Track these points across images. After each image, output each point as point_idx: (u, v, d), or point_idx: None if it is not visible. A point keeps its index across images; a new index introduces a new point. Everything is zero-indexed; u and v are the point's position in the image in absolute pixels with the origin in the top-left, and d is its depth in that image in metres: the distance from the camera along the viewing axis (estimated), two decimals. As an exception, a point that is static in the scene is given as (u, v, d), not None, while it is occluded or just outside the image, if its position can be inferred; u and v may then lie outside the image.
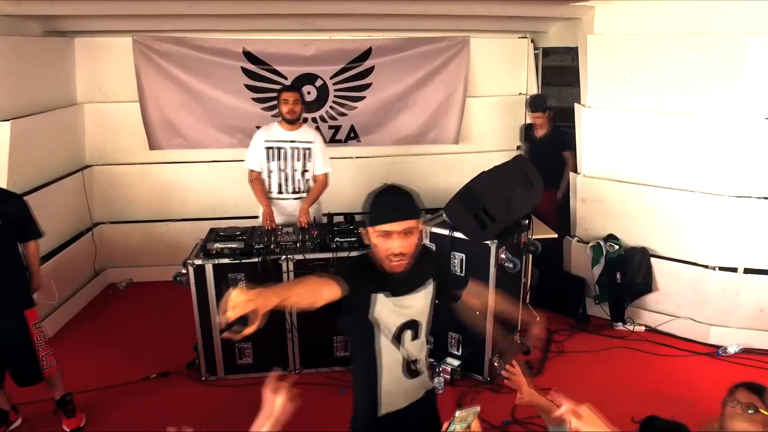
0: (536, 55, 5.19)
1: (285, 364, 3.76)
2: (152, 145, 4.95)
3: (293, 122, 3.92)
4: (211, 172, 5.12)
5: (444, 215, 3.65)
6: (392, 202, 1.81)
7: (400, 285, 1.86)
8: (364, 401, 1.97)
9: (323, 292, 1.66)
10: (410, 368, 1.93)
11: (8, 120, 3.83)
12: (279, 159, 3.94)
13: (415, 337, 1.93)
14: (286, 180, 3.97)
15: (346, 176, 5.08)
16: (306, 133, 4.00)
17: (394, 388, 1.92)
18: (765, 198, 3.89)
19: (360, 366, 1.95)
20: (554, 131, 4.94)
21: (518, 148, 5.35)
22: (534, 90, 5.23)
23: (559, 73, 5.69)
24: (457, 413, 1.51)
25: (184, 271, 3.58)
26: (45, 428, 3.28)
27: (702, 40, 3.85)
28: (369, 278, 1.83)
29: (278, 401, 1.66)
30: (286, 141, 3.94)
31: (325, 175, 4.05)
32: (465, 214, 3.39)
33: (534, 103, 4.85)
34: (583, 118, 4.40)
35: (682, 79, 3.98)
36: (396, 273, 1.82)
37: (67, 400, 3.30)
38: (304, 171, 3.98)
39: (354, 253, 3.58)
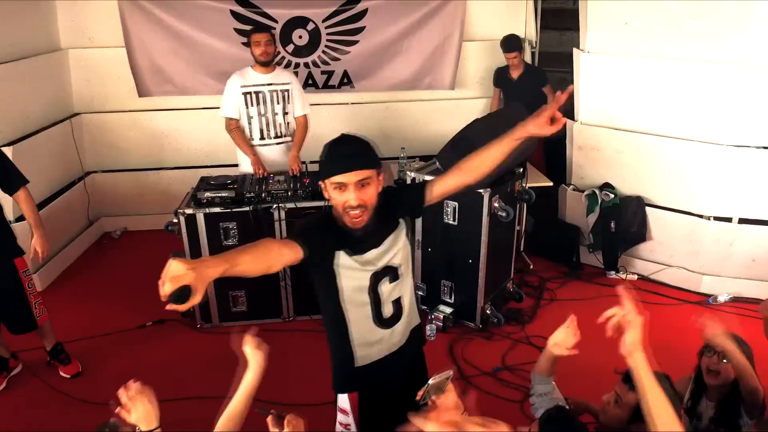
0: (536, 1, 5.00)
1: (279, 312, 3.80)
2: (141, 92, 4.83)
3: (267, 64, 3.80)
4: (202, 119, 5.01)
5: (437, 163, 3.59)
6: (345, 151, 1.72)
7: (363, 241, 1.80)
8: (338, 357, 1.97)
9: (279, 255, 1.60)
10: (383, 318, 1.90)
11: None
12: (259, 104, 3.84)
13: (394, 279, 1.89)
14: (268, 125, 3.89)
15: (340, 123, 4.99)
16: (282, 75, 3.91)
17: (367, 341, 1.91)
18: (764, 147, 3.82)
19: (329, 322, 1.94)
20: (528, 70, 4.82)
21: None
22: (533, 34, 5.06)
23: (560, 17, 5.50)
24: (431, 381, 1.50)
25: (175, 220, 3.57)
26: (45, 375, 3.34)
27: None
28: (330, 236, 1.77)
29: (260, 355, 1.70)
30: (263, 84, 3.83)
31: (305, 117, 3.99)
32: (458, 162, 3.32)
33: (509, 44, 4.68)
34: (582, 63, 4.28)
35: (686, 24, 3.83)
36: (358, 228, 1.75)
37: (59, 349, 3.36)
38: (285, 114, 3.90)
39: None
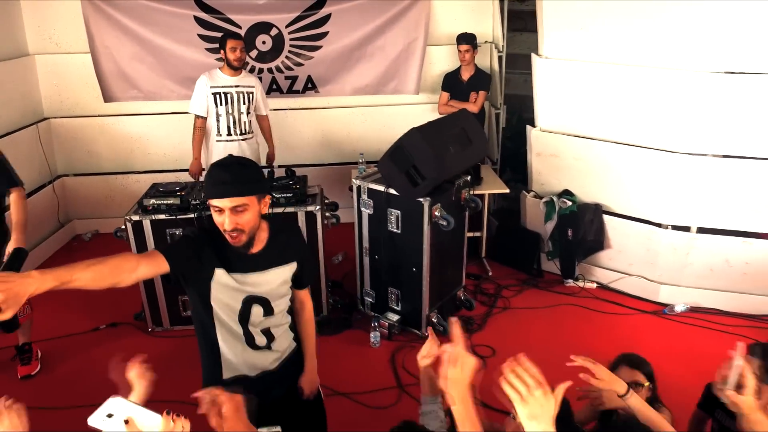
0: (501, 3, 4.94)
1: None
2: (107, 98, 4.90)
3: (238, 69, 4.07)
4: (170, 124, 5.07)
5: (379, 170, 3.60)
6: (224, 177, 1.72)
7: (246, 261, 1.83)
8: (206, 366, 1.99)
9: (131, 271, 1.60)
10: (254, 342, 1.93)
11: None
12: (227, 103, 4.10)
13: (268, 313, 1.93)
14: (234, 123, 4.15)
15: (305, 128, 5.02)
16: (248, 78, 4.19)
17: (236, 359, 1.94)
18: (721, 156, 3.76)
19: (200, 331, 1.96)
20: (478, 73, 4.78)
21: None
22: (500, 37, 5.02)
23: (527, 18, 5.43)
24: None
25: (123, 227, 3.62)
26: (2, 375, 3.45)
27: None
28: (210, 251, 1.79)
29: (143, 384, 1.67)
30: (231, 86, 4.10)
31: (268, 117, 4.40)
32: (396, 170, 3.34)
33: (462, 36, 4.65)
34: (539, 68, 4.24)
35: (639, 29, 3.78)
36: (240, 248, 1.78)
37: (26, 348, 3.46)
38: (249, 113, 4.20)
39: (290, 209, 3.59)
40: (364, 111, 5.16)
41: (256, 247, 1.84)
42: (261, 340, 1.96)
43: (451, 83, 4.77)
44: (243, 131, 4.20)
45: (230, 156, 1.86)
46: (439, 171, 3.28)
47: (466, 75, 4.71)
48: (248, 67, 4.89)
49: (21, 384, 3.38)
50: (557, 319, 4.01)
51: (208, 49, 4.80)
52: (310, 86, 5.02)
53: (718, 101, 3.64)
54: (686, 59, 3.67)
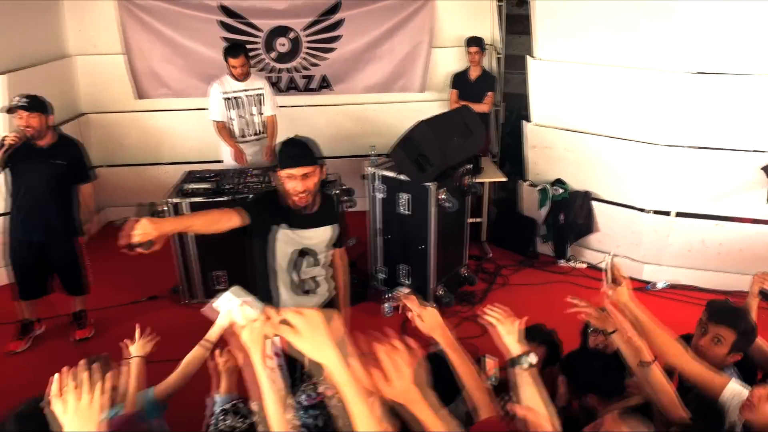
0: (500, 7, 5.40)
1: (255, 291, 4.28)
2: (139, 95, 5.36)
3: (244, 80, 4.45)
4: (195, 119, 5.50)
5: (390, 157, 4.06)
6: (295, 151, 2.28)
7: (300, 220, 2.34)
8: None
9: (224, 221, 2.15)
10: (305, 286, 2.44)
11: (4, 73, 4.28)
12: (238, 107, 4.47)
13: (315, 263, 2.43)
14: (247, 125, 4.53)
15: (319, 123, 5.46)
16: (256, 81, 4.54)
17: (287, 302, 2.44)
18: (696, 147, 4.21)
19: (259, 277, 2.44)
20: (485, 74, 5.25)
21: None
22: (498, 40, 5.47)
23: (524, 22, 5.85)
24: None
25: (163, 209, 4.06)
26: (61, 338, 3.93)
27: (637, -2, 4.08)
28: (272, 211, 2.31)
29: None
30: (241, 91, 4.47)
31: (275, 116, 4.63)
32: (407, 159, 3.78)
33: (472, 39, 5.13)
34: (533, 69, 4.69)
35: (623, 34, 4.24)
36: (299, 208, 2.30)
37: (82, 315, 3.97)
38: (260, 114, 4.55)
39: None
40: (374, 107, 5.62)
41: (312, 209, 2.34)
42: (308, 285, 2.44)
43: (460, 82, 5.23)
44: (256, 132, 4.58)
45: (296, 136, 2.36)
46: (443, 158, 3.73)
47: (474, 75, 5.17)
48: (268, 68, 5.36)
49: (77, 345, 3.87)
50: (551, 294, 4.45)
51: (226, 60, 5.24)
52: (325, 85, 5.48)
53: (692, 98, 4.10)
54: (663, 61, 4.12)
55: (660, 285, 4.50)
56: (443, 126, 3.80)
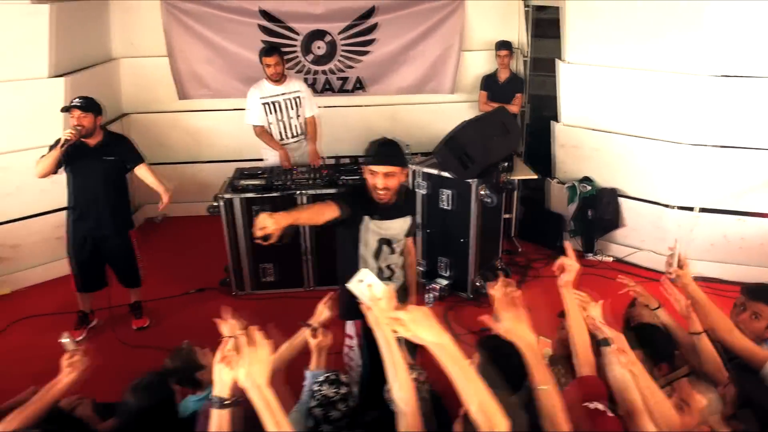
0: (527, 12, 5.63)
1: (301, 282, 4.50)
2: (181, 95, 5.57)
3: (279, 81, 4.53)
4: (233, 119, 5.70)
5: (434, 157, 4.27)
6: (382, 150, 2.50)
7: (382, 212, 2.57)
8: (346, 291, 2.69)
9: (325, 213, 2.38)
10: (383, 273, 2.66)
11: (63, 76, 4.49)
12: (276, 111, 4.57)
13: (391, 252, 2.66)
14: (285, 128, 4.64)
15: (354, 122, 5.68)
16: (293, 84, 4.62)
17: None
18: (719, 146, 4.43)
19: (345, 264, 2.66)
20: (513, 75, 5.48)
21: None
22: (525, 43, 5.71)
23: (550, 26, 6.10)
24: None
25: (215, 204, 4.27)
26: (117, 328, 4.12)
27: (665, 5, 4.31)
28: (362, 203, 2.53)
29: None
30: (278, 95, 4.56)
31: (314, 117, 4.70)
32: (450, 156, 4.00)
33: (502, 43, 5.36)
34: (563, 72, 4.92)
35: (650, 39, 4.47)
36: (380, 203, 2.52)
37: (138, 305, 4.18)
38: (298, 116, 4.64)
39: (358, 190, 4.26)
40: (406, 108, 5.84)
41: (393, 203, 2.57)
42: (386, 272, 2.66)
43: (489, 84, 5.46)
44: (294, 134, 4.66)
45: (385, 137, 2.58)
46: (485, 156, 3.95)
47: (502, 77, 5.40)
48: (304, 70, 5.57)
49: (136, 333, 4.08)
50: (581, 286, 4.65)
51: (261, 58, 5.46)
52: (359, 86, 5.70)
53: (716, 99, 4.33)
54: (689, 65, 4.35)
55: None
56: (485, 126, 4.03)
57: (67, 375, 2.29)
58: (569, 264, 2.09)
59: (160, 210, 4.05)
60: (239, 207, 4.25)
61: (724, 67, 4.25)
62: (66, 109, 3.66)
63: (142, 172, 3.89)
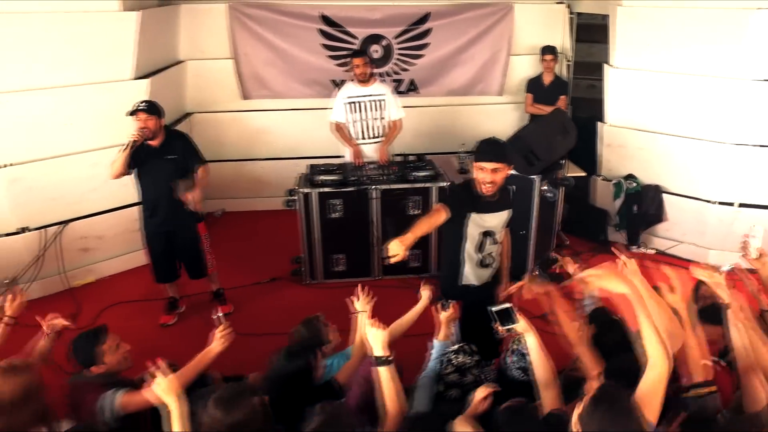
0: (571, 19, 5.95)
1: (369, 272, 4.80)
2: (244, 96, 5.88)
3: (365, 81, 4.81)
4: (290, 118, 6.03)
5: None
6: (489, 148, 2.80)
7: (485, 206, 2.87)
8: (448, 276, 3.05)
9: (438, 220, 2.70)
10: (484, 262, 2.98)
11: (144, 78, 4.79)
12: (359, 111, 4.85)
13: (493, 242, 2.98)
14: (366, 128, 4.91)
15: (406, 122, 5.96)
16: (379, 87, 4.90)
17: (470, 273, 2.99)
18: (760, 146, 4.76)
19: (450, 253, 2.99)
20: (557, 79, 5.81)
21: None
22: (569, 48, 6.03)
23: (590, 31, 6.44)
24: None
25: (293, 197, 4.57)
26: (203, 313, 4.39)
27: (710, 13, 4.63)
28: (465, 200, 2.83)
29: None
30: (363, 96, 4.84)
31: (400, 120, 4.96)
32: (516, 154, 4.30)
33: (547, 48, 5.70)
34: (611, 76, 5.24)
35: (695, 46, 4.78)
36: (485, 196, 2.82)
37: (221, 292, 4.45)
38: (381, 119, 4.90)
39: (427, 184, 4.57)
40: (456, 109, 6.15)
41: (494, 198, 2.85)
42: (487, 260, 2.96)
43: (534, 87, 5.78)
44: (374, 135, 4.90)
45: (492, 137, 2.88)
46: (549, 154, 4.28)
47: (547, 80, 5.72)
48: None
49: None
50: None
51: (329, 56, 5.78)
52: (412, 88, 6.01)
53: (758, 102, 4.65)
54: (732, 69, 4.66)
55: (724, 269, 4.99)
56: (547, 127, 4.35)
57: (219, 345, 2.62)
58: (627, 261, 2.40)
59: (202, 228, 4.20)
60: (315, 201, 4.54)
61: (766, 71, 4.58)
62: (132, 113, 3.82)
63: (199, 174, 4.02)
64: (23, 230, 4.46)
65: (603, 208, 5.55)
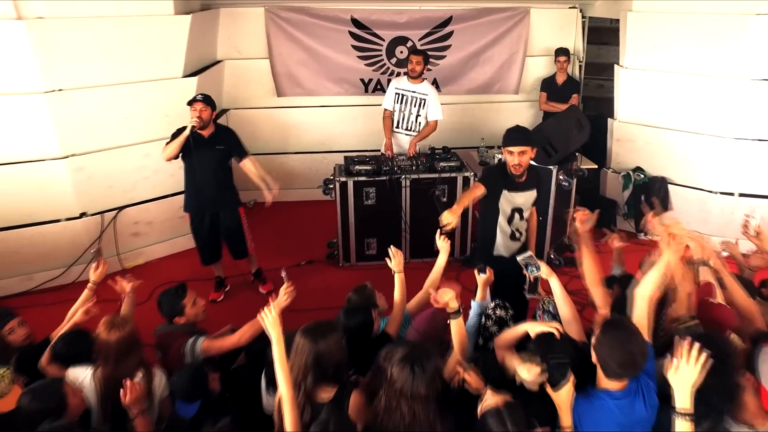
0: (583, 23, 6.38)
1: (400, 255, 5.20)
2: (279, 93, 6.30)
3: (416, 77, 5.23)
4: (322, 114, 6.45)
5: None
6: (514, 135, 3.26)
7: (515, 185, 3.33)
8: (484, 246, 3.51)
9: (477, 192, 3.24)
10: (514, 236, 3.44)
11: (192, 75, 5.22)
12: (401, 102, 5.30)
13: (521, 218, 3.43)
14: (403, 119, 5.35)
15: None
16: (424, 87, 5.31)
17: (502, 245, 3.45)
18: (759, 140, 5.18)
19: (486, 226, 3.46)
20: (570, 78, 6.24)
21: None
22: (581, 50, 6.46)
23: (600, 33, 6.86)
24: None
25: (330, 186, 5.00)
26: (247, 291, 4.82)
27: (713, 18, 5.05)
28: (499, 179, 3.30)
29: None
30: (409, 90, 5.29)
31: (436, 122, 5.34)
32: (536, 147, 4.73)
33: (561, 50, 6.14)
34: (621, 76, 5.67)
35: (698, 48, 5.21)
36: (515, 176, 3.28)
37: (260, 272, 4.85)
38: (417, 115, 5.32)
39: (453, 174, 5.01)
40: (475, 106, 6.58)
41: (522, 178, 3.29)
42: (516, 234, 3.40)
43: (548, 86, 6.21)
44: (408, 127, 5.34)
45: (517, 125, 3.32)
46: (566, 146, 4.70)
47: (560, 79, 6.15)
48: (389, 72, 6.30)
49: (265, 296, 4.78)
50: (635, 259, 5.40)
51: (358, 56, 6.20)
52: (435, 86, 6.41)
53: (757, 100, 5.07)
54: (734, 69, 5.08)
55: (725, 254, 5.44)
56: (564, 122, 4.78)
57: (286, 299, 3.00)
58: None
59: (268, 204, 4.46)
60: (351, 189, 4.97)
61: (763, 72, 5.00)
62: (190, 103, 4.25)
63: (247, 164, 4.42)
64: (83, 215, 4.88)
65: (612, 199, 5.97)
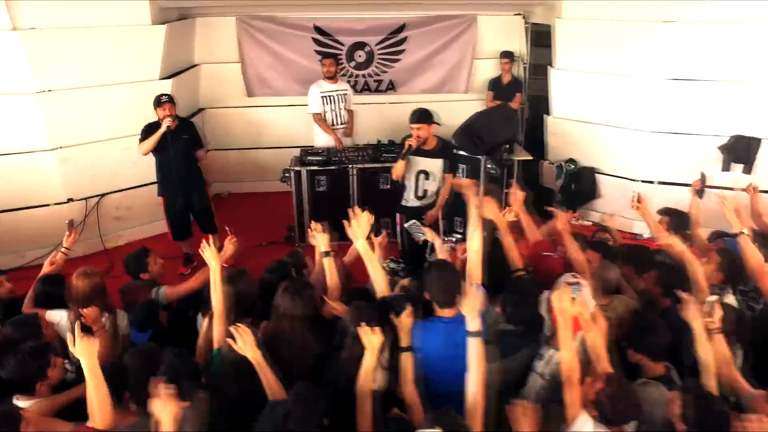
0: (527, 28, 7.01)
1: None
2: (249, 94, 6.98)
3: (333, 77, 5.95)
4: (289, 113, 7.08)
5: (454, 142, 5.63)
6: (412, 116, 4.11)
7: (420, 152, 4.14)
8: (400, 199, 4.28)
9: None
10: (417, 193, 4.25)
11: (168, 78, 5.89)
12: (331, 103, 5.99)
13: (426, 179, 4.21)
14: (336, 117, 6.06)
15: (386, 115, 7.05)
16: (342, 84, 6.11)
17: (410, 198, 4.29)
18: (673, 133, 5.78)
19: (402, 185, 4.27)
20: (514, 79, 6.87)
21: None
22: (525, 53, 7.09)
23: (543, 37, 7.44)
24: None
25: (287, 174, 5.65)
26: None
27: (630, 25, 5.67)
28: (410, 150, 4.06)
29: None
30: (333, 90, 5.99)
31: (352, 110, 6.16)
32: (466, 139, 5.35)
33: (504, 53, 6.78)
34: (554, 77, 6.30)
35: (619, 51, 5.82)
36: (419, 145, 4.09)
37: (191, 257, 5.47)
38: (346, 110, 6.09)
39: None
40: (428, 105, 7.04)
41: (426, 147, 4.20)
42: (420, 192, 4.38)
43: (495, 86, 6.85)
44: (342, 122, 6.09)
45: (419, 107, 4.15)
46: (491, 137, 5.30)
47: (505, 80, 6.78)
48: (348, 74, 6.96)
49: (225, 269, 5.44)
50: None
51: (321, 61, 6.83)
52: (391, 87, 7.09)
53: (670, 97, 5.67)
54: (649, 70, 5.69)
55: (645, 235, 6.04)
56: (491, 116, 5.40)
57: (231, 248, 3.61)
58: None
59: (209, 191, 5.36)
60: (305, 177, 5.62)
61: (675, 72, 5.61)
62: (159, 104, 4.93)
63: (201, 154, 5.33)
64: (69, 200, 5.56)
65: (549, 188, 6.58)
